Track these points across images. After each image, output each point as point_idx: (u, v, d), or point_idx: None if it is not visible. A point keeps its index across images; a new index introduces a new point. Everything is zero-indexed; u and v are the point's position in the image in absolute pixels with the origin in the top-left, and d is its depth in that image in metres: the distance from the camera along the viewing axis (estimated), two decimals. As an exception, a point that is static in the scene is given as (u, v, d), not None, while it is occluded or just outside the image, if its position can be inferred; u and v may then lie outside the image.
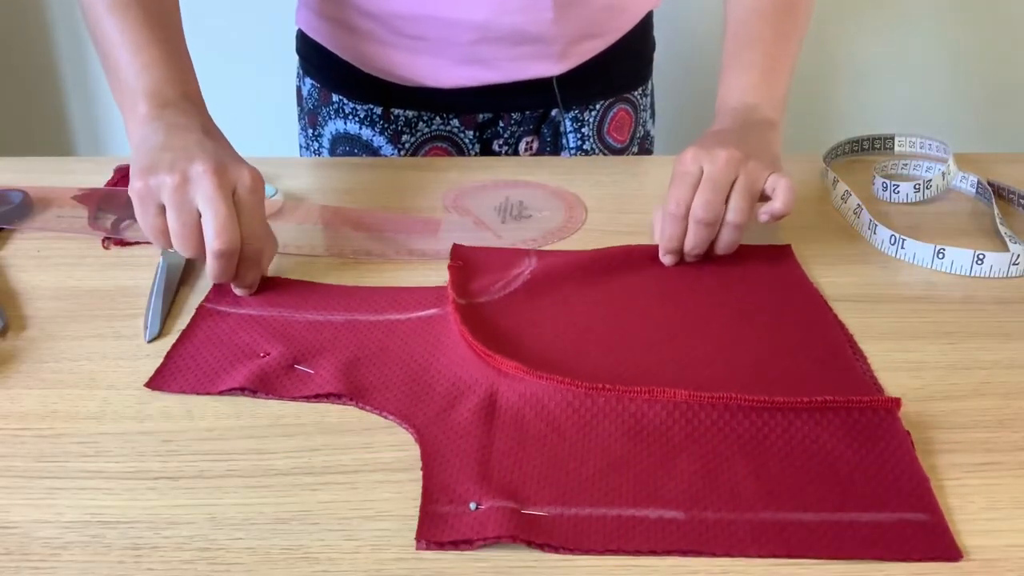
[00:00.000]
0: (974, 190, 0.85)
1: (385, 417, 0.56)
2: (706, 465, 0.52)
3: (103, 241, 0.76)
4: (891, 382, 0.59)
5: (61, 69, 1.87)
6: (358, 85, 0.99)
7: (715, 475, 0.51)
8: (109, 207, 0.80)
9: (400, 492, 0.50)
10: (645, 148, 1.10)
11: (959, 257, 0.72)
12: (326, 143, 1.04)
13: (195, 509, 0.49)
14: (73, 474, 0.51)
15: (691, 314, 0.66)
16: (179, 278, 0.71)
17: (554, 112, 1.01)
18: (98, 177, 0.86)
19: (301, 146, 1.09)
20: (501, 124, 1.01)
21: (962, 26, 1.77)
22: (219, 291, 0.69)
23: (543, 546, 0.46)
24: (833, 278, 0.71)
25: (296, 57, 1.07)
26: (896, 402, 0.55)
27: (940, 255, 0.72)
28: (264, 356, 0.61)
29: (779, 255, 0.74)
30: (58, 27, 1.83)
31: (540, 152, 1.03)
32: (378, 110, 0.99)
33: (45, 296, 0.69)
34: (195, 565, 0.46)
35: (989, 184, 0.83)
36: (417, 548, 0.47)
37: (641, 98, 1.07)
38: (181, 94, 0.71)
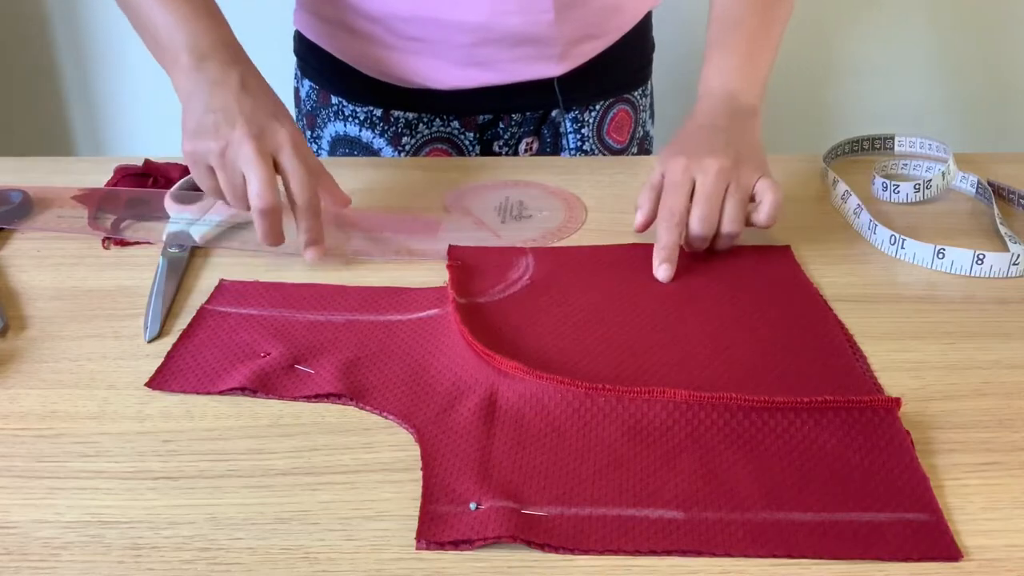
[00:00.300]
0: (974, 190, 0.85)
1: (385, 417, 0.56)
2: (706, 465, 0.52)
3: (103, 241, 0.76)
4: (891, 382, 0.59)
5: (61, 69, 1.87)
6: (358, 87, 0.99)
7: (715, 475, 0.51)
8: (109, 207, 0.80)
9: (400, 492, 0.50)
10: (645, 148, 1.10)
11: (959, 257, 0.72)
12: (325, 145, 1.04)
13: (195, 509, 0.49)
14: (73, 474, 0.52)
15: (691, 314, 0.66)
16: (179, 278, 0.71)
17: (554, 113, 1.01)
18: (98, 177, 0.86)
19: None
20: (501, 125, 1.01)
21: (962, 26, 1.77)
22: (220, 292, 0.69)
23: (543, 546, 0.46)
24: (833, 278, 0.71)
25: (294, 58, 1.07)
26: (896, 402, 0.55)
27: (940, 255, 0.72)
28: (264, 356, 0.61)
29: (779, 255, 0.74)
30: (58, 27, 1.83)
31: (540, 153, 1.03)
32: (378, 112, 0.99)
33: (45, 296, 0.69)
34: (195, 565, 0.46)
35: (989, 184, 0.83)
36: (417, 548, 0.47)
37: (641, 98, 1.07)
38: (216, 41, 0.75)
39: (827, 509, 0.49)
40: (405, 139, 1.00)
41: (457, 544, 0.47)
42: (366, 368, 0.60)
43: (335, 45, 0.99)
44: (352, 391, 0.58)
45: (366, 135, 1.00)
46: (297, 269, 0.72)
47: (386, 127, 1.00)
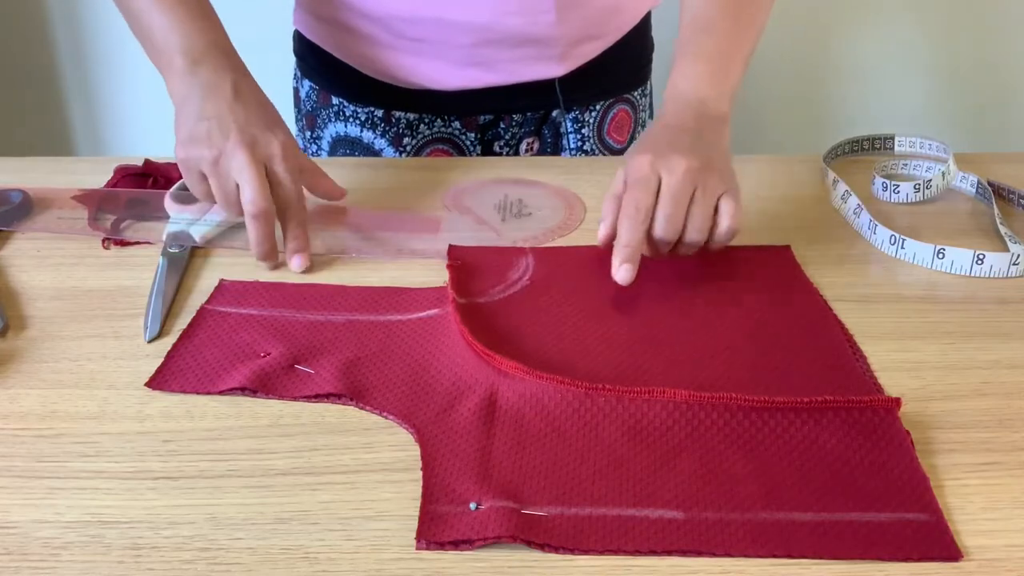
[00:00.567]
0: (974, 190, 0.85)
1: (385, 417, 0.56)
2: (706, 465, 0.52)
3: (103, 241, 0.76)
4: (891, 382, 0.59)
5: (61, 69, 1.87)
6: (358, 88, 0.99)
7: (715, 475, 0.51)
8: (109, 207, 0.80)
9: (400, 492, 0.50)
10: (645, 148, 1.10)
11: (959, 257, 0.72)
12: (325, 146, 1.04)
13: (195, 509, 0.49)
14: (73, 474, 0.52)
15: (691, 314, 0.66)
16: (179, 278, 0.71)
17: (555, 113, 1.01)
18: (98, 177, 0.86)
19: (301, 148, 1.09)
20: (502, 125, 1.01)
21: (962, 26, 1.77)
22: (220, 292, 0.69)
23: (543, 546, 0.46)
24: (833, 278, 0.71)
25: (293, 59, 1.07)
26: (896, 402, 0.55)
27: (940, 255, 0.72)
28: (264, 356, 0.61)
29: (778, 255, 0.74)
30: (58, 27, 1.83)
31: (540, 153, 1.03)
32: (379, 113, 0.99)
33: (45, 296, 0.69)
34: (195, 565, 0.46)
35: (989, 184, 0.83)
36: (417, 548, 0.47)
37: (641, 98, 1.07)
38: (210, 43, 0.76)
39: (827, 509, 0.49)
40: (406, 140, 1.00)
41: (457, 544, 0.47)
42: (366, 368, 0.60)
43: (335, 45, 0.99)
44: (352, 391, 0.58)
45: (367, 136, 1.00)
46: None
47: (387, 128, 1.00)
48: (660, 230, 0.67)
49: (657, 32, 1.09)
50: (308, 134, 1.05)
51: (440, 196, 0.85)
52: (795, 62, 1.80)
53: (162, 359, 0.61)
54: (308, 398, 0.58)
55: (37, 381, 0.59)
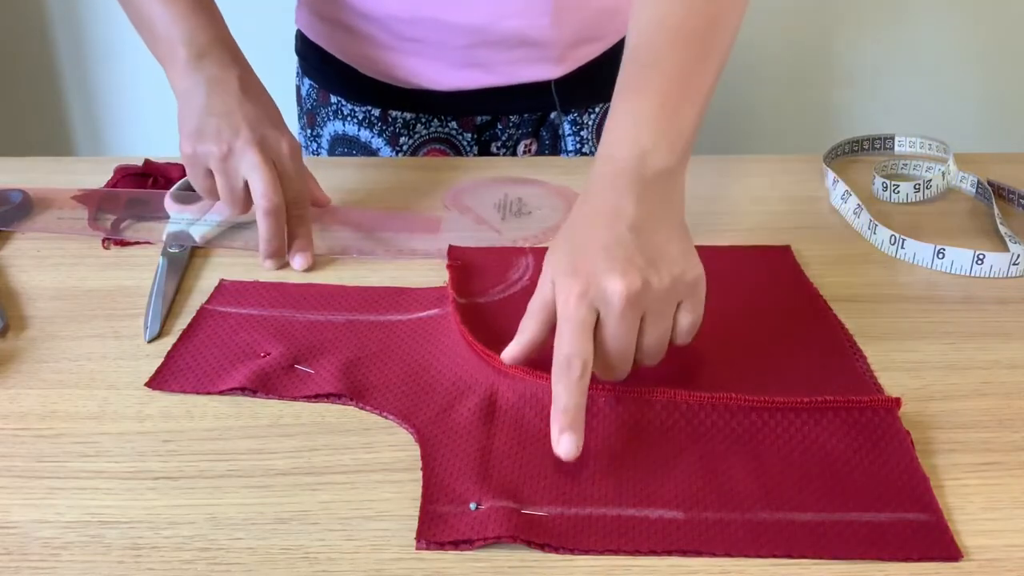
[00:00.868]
0: (974, 190, 0.85)
1: (385, 417, 0.56)
2: (706, 465, 0.52)
3: (103, 241, 0.76)
4: (891, 382, 0.59)
5: (61, 69, 1.87)
6: (356, 87, 0.99)
7: (715, 475, 0.51)
8: (109, 207, 0.80)
9: (400, 492, 0.50)
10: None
11: (959, 257, 0.72)
12: (325, 144, 1.04)
13: (195, 509, 0.49)
14: (73, 474, 0.52)
15: (691, 314, 0.66)
16: (179, 278, 0.71)
17: (553, 115, 1.01)
18: (98, 177, 0.86)
19: (303, 145, 1.09)
20: (499, 126, 1.01)
21: (962, 26, 1.77)
22: (220, 292, 0.69)
23: (543, 546, 0.46)
24: (833, 278, 0.71)
25: (295, 57, 1.07)
26: (896, 402, 0.55)
27: (940, 255, 0.72)
28: (264, 356, 0.61)
29: (778, 256, 0.74)
30: (58, 27, 1.83)
31: (539, 155, 1.03)
32: (376, 112, 0.99)
33: (45, 296, 0.69)
34: (195, 565, 0.46)
35: (989, 184, 0.83)
36: (417, 548, 0.47)
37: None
38: (214, 38, 0.75)
39: (827, 509, 0.49)
40: (403, 139, 1.00)
41: (457, 544, 0.47)
42: (366, 368, 0.60)
43: (334, 44, 0.99)
44: (352, 391, 0.58)
45: (364, 135, 1.00)
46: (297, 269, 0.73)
47: (384, 127, 1.00)
48: (604, 375, 0.56)
49: (657, 32, 1.09)
50: (309, 132, 1.06)
51: (440, 196, 0.85)
52: (795, 62, 1.81)
53: (162, 359, 0.61)
54: (308, 398, 0.58)
55: (37, 381, 0.59)
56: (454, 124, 1.00)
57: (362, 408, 0.57)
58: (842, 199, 0.82)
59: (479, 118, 1.00)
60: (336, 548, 0.47)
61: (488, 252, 0.74)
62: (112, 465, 0.52)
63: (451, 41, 0.92)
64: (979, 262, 0.71)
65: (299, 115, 1.08)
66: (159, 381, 0.59)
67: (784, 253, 0.75)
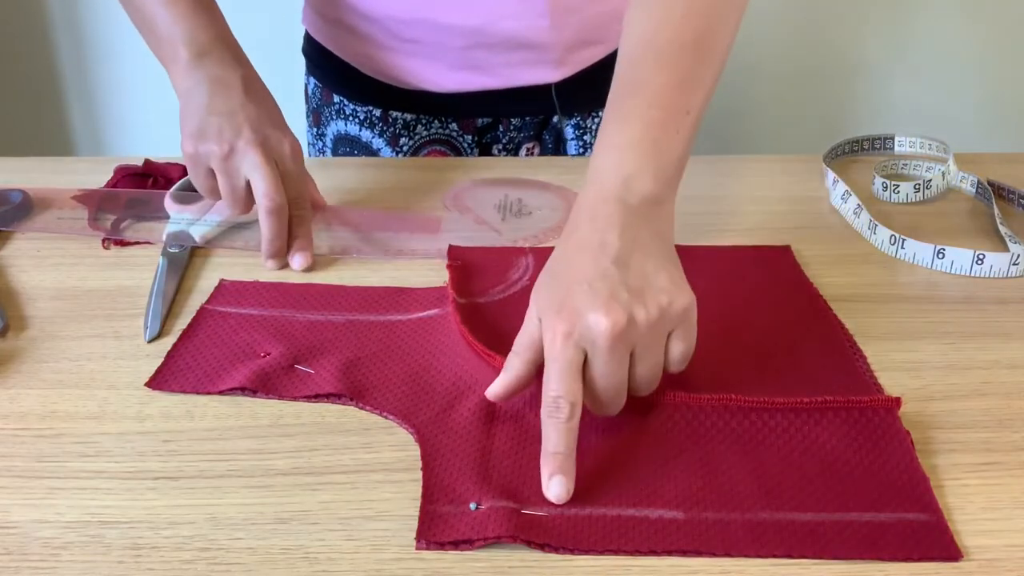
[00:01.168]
0: (974, 190, 0.85)
1: (385, 417, 0.56)
2: (706, 465, 0.52)
3: (103, 241, 0.76)
4: (891, 382, 0.59)
5: (61, 69, 1.87)
6: (358, 87, 0.99)
7: (715, 475, 0.51)
8: (109, 207, 0.80)
9: (400, 492, 0.50)
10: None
11: (959, 257, 0.72)
12: (329, 143, 1.04)
13: (195, 509, 0.49)
14: (73, 474, 0.51)
15: (691, 314, 0.66)
16: (179, 278, 0.71)
17: (555, 119, 1.01)
18: (98, 177, 0.86)
19: (309, 143, 1.09)
20: (500, 129, 1.01)
21: (962, 26, 1.77)
22: (220, 292, 0.69)
23: (543, 546, 0.46)
24: (833, 278, 0.71)
25: (302, 56, 1.07)
26: (896, 402, 0.55)
27: (940, 255, 0.72)
28: (264, 356, 0.61)
29: (778, 256, 0.74)
30: (58, 27, 1.83)
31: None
32: (377, 112, 0.99)
33: (45, 296, 0.69)
34: (195, 565, 0.46)
35: (989, 184, 0.83)
36: (417, 548, 0.47)
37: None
38: (216, 37, 0.75)
39: (827, 509, 0.49)
40: (403, 140, 1.00)
41: (457, 544, 0.47)
42: (366, 368, 0.60)
43: (337, 44, 0.99)
44: (352, 391, 0.58)
45: (366, 135, 1.00)
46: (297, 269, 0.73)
47: (385, 127, 1.00)
48: (597, 411, 0.54)
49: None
50: (314, 131, 1.06)
51: (440, 196, 0.85)
52: (795, 62, 1.81)
53: (162, 359, 0.61)
54: (308, 398, 0.58)
55: (37, 381, 0.59)
56: (454, 126, 1.00)
57: (362, 408, 0.57)
58: (842, 199, 0.82)
59: (480, 120, 1.00)
60: (336, 548, 0.47)
61: (488, 252, 0.74)
62: (112, 465, 0.52)
63: (449, 42, 0.92)
64: (979, 262, 0.71)
65: (307, 114, 1.08)
66: (159, 381, 0.59)
67: (784, 253, 0.75)
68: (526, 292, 0.69)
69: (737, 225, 0.80)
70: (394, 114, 0.99)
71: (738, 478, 0.51)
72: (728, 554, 0.46)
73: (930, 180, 0.83)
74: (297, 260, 0.72)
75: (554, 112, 0.99)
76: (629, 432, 0.54)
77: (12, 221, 0.79)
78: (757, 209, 0.82)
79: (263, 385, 0.58)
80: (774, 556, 0.46)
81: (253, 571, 0.45)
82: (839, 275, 0.72)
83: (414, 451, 0.53)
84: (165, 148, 0.89)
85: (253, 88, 0.74)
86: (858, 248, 0.76)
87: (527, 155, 1.02)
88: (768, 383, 0.58)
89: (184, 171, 0.81)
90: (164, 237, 0.75)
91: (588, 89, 0.99)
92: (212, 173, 0.72)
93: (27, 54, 1.85)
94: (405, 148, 1.00)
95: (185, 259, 0.73)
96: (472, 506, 0.49)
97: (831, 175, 0.85)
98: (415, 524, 0.48)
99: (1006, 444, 0.54)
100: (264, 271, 0.72)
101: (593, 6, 0.93)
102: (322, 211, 0.79)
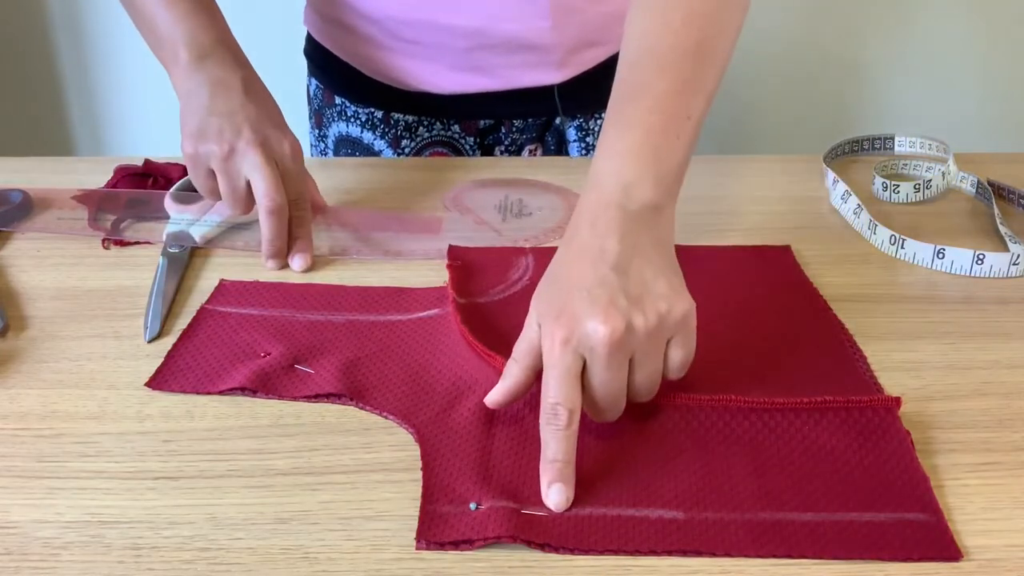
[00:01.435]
0: (974, 190, 0.85)
1: (385, 417, 0.56)
2: (706, 465, 0.52)
3: (103, 241, 0.76)
4: (891, 382, 0.59)
5: (61, 69, 1.87)
6: (359, 88, 0.99)
7: (715, 475, 0.51)
8: (109, 207, 0.80)
9: (400, 492, 0.50)
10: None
11: (959, 257, 0.72)
12: (331, 144, 1.04)
13: (195, 509, 0.49)
14: (73, 474, 0.51)
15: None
16: (179, 278, 0.71)
17: (558, 120, 1.00)
18: (98, 177, 0.86)
19: (311, 145, 1.09)
20: (503, 130, 1.01)
21: (963, 26, 1.77)
22: (220, 292, 0.69)
23: (543, 546, 0.46)
24: (833, 278, 0.71)
25: (304, 58, 1.07)
26: (896, 402, 0.55)
27: (940, 255, 0.72)
28: (264, 356, 0.61)
29: (778, 256, 0.74)
30: (58, 27, 1.83)
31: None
32: (379, 114, 0.99)
33: (45, 296, 0.69)
34: (195, 565, 0.46)
35: (989, 184, 0.83)
36: (417, 548, 0.47)
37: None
38: (216, 39, 0.75)
39: (827, 509, 0.49)
40: (405, 142, 1.00)
41: (457, 544, 0.47)
42: (366, 368, 0.60)
43: (338, 45, 0.99)
44: (352, 391, 0.58)
45: (367, 137, 1.00)
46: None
47: (386, 129, 1.00)
48: (596, 418, 0.54)
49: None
50: (317, 132, 1.06)
51: (441, 196, 0.85)
52: (795, 62, 1.81)
53: (162, 359, 0.61)
54: (308, 398, 0.58)
55: (37, 381, 0.59)
56: (456, 128, 1.00)
57: (362, 408, 0.57)
58: (842, 199, 0.82)
59: (482, 122, 1.00)
60: (336, 548, 0.47)
61: (488, 252, 0.74)
62: (112, 465, 0.52)
63: (450, 43, 0.92)
64: (979, 262, 0.71)
65: (309, 115, 1.08)
66: (159, 381, 0.59)
67: (784, 253, 0.75)
68: (526, 292, 0.69)
69: (737, 225, 0.80)
70: (396, 116, 0.99)
71: (738, 478, 0.51)
72: (728, 554, 0.46)
73: (930, 180, 0.83)
74: (297, 261, 0.72)
75: (556, 114, 0.99)
76: (629, 432, 0.54)
77: (12, 221, 0.79)
78: (757, 209, 0.82)
79: (263, 385, 0.58)
80: (774, 556, 0.46)
81: (253, 571, 0.45)
82: (839, 275, 0.72)
83: (414, 451, 0.53)
84: (165, 148, 0.89)
85: (253, 89, 0.74)
86: (858, 248, 0.76)
87: (530, 156, 1.02)
88: (768, 383, 0.58)
89: (184, 171, 0.81)
90: (164, 237, 0.75)
91: (591, 90, 0.99)
92: (212, 173, 0.72)
93: (27, 54, 1.85)
94: (407, 150, 1.00)
95: (185, 259, 0.73)
96: (472, 506, 0.49)
97: (831, 175, 0.85)
98: (415, 524, 0.48)
99: (1006, 444, 0.54)
100: (264, 271, 0.72)
101: (595, 7, 0.93)
102: (322, 211, 0.79)
